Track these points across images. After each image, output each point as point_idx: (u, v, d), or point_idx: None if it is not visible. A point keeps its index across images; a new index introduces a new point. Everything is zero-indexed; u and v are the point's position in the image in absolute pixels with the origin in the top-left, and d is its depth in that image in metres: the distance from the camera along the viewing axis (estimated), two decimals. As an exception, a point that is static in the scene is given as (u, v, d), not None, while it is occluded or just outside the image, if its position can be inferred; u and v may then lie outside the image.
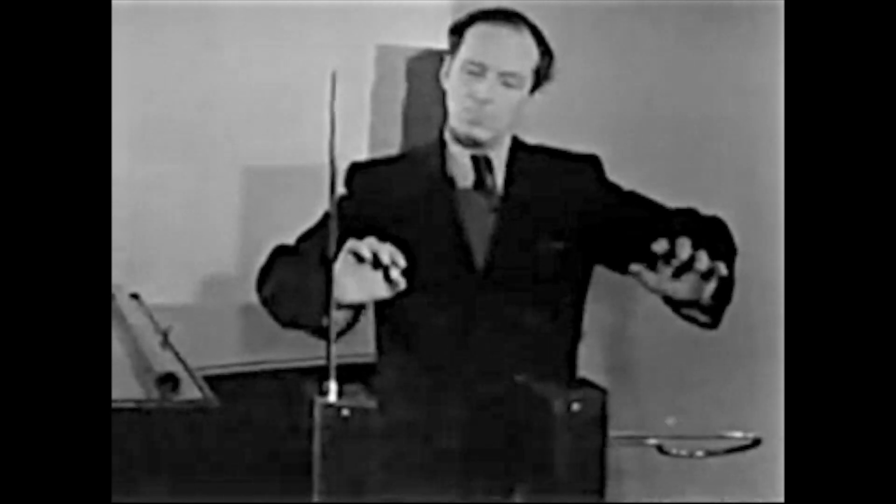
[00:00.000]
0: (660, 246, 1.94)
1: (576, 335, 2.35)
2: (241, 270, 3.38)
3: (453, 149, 2.30)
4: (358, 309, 2.07)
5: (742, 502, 2.77)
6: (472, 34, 2.26)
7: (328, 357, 1.65)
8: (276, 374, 3.18)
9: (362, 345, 2.31)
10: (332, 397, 1.63)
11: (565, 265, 2.27)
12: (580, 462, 1.70)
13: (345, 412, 1.62)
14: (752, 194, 2.77)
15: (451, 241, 2.25)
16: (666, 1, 3.10)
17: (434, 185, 2.29)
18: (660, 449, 2.03)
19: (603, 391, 1.72)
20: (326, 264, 1.72)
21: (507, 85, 2.23)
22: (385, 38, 3.72)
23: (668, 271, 1.98)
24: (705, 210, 2.24)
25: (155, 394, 2.09)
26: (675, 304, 2.10)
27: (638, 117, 3.15)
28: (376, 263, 1.92)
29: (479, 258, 2.25)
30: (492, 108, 2.23)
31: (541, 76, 2.28)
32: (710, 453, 2.06)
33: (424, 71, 3.47)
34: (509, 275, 2.24)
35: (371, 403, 1.64)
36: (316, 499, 1.61)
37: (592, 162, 2.35)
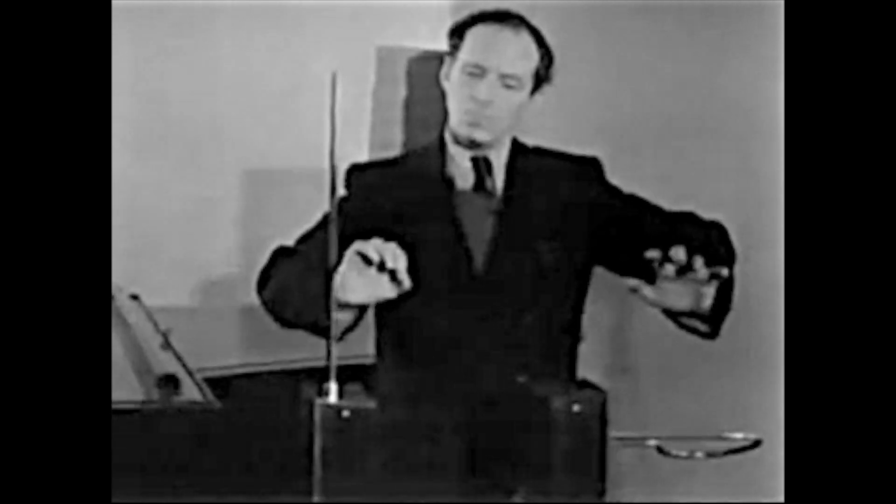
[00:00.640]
0: (653, 254, 1.95)
1: (576, 336, 2.34)
2: (242, 272, 3.38)
3: (453, 150, 2.30)
4: (361, 309, 2.07)
5: (742, 502, 2.77)
6: (472, 36, 2.26)
7: (328, 358, 1.65)
8: (276, 375, 3.18)
9: (362, 346, 2.31)
10: (333, 398, 1.63)
11: (565, 267, 2.27)
12: (580, 462, 1.70)
13: (345, 413, 1.62)
14: (752, 196, 2.77)
15: (451, 243, 2.25)
16: (666, 1, 3.10)
17: (434, 186, 2.29)
18: (660, 450, 2.04)
19: (603, 392, 1.72)
20: (327, 265, 1.72)
21: (507, 87, 2.23)
22: (385, 40, 3.71)
23: (665, 283, 1.99)
24: (705, 212, 2.24)
25: (155, 395, 2.09)
26: (675, 315, 2.10)
27: (638, 119, 3.15)
28: (382, 265, 1.92)
29: (479, 260, 2.25)
30: (492, 109, 2.23)
31: (541, 78, 2.28)
32: (710, 454, 2.06)
33: (425, 72, 3.47)
34: (509, 276, 2.24)
35: (371, 404, 1.64)
36: (316, 499, 1.61)
37: (593, 164, 2.35)
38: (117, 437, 1.71)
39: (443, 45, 2.34)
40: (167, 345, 2.50)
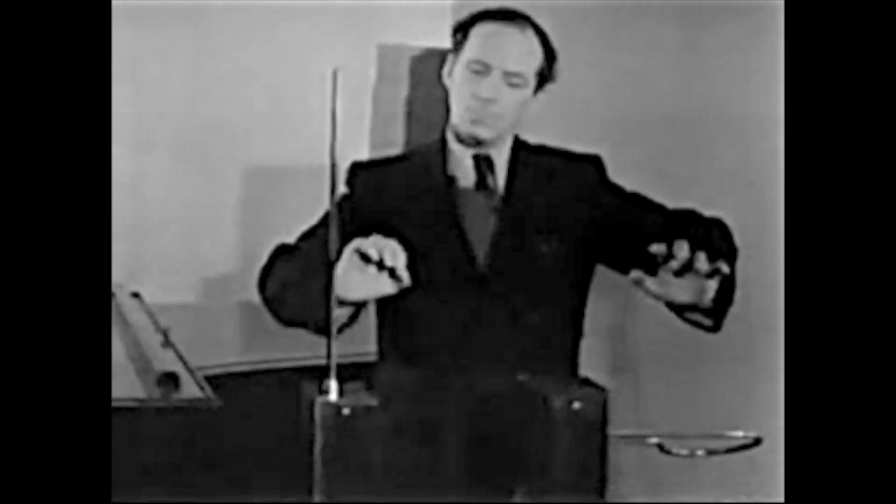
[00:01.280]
0: (657, 248, 1.95)
1: (577, 334, 2.34)
2: (243, 270, 3.38)
3: (455, 148, 2.30)
4: (359, 306, 2.07)
5: (742, 502, 2.77)
6: (476, 33, 2.26)
7: (329, 356, 1.65)
8: (276, 373, 3.17)
9: (363, 344, 2.31)
10: (333, 396, 1.63)
11: (566, 265, 2.27)
12: (581, 461, 1.70)
13: (345, 411, 1.62)
14: (753, 194, 2.77)
15: (453, 241, 2.25)
16: (667, 1, 3.11)
17: (435, 184, 2.29)
18: (661, 448, 2.04)
19: (604, 390, 1.72)
20: (328, 263, 1.72)
21: (511, 85, 2.23)
22: (387, 38, 3.72)
23: (668, 277, 1.98)
24: (706, 210, 2.24)
25: (156, 393, 2.09)
26: (678, 309, 2.10)
27: (639, 117, 3.15)
28: (381, 263, 1.92)
29: (481, 258, 2.25)
30: (495, 107, 2.23)
31: (544, 77, 2.28)
32: (710, 452, 2.07)
33: (426, 70, 3.47)
34: (510, 274, 2.24)
35: (372, 402, 1.64)
36: (316, 499, 1.61)
37: (594, 162, 2.35)
38: (117, 434, 1.71)
39: (444, 43, 2.34)
40: (167, 343, 2.50)
